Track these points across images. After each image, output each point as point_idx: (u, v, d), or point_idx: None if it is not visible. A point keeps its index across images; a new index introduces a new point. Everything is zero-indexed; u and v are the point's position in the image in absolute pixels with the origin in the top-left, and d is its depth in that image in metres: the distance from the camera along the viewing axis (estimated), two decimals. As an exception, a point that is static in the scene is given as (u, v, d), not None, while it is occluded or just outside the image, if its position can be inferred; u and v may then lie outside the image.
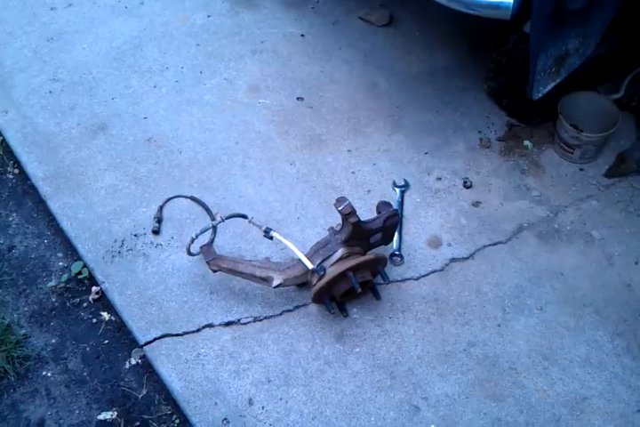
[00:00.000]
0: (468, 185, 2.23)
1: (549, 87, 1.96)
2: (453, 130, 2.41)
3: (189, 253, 1.94)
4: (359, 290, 1.78)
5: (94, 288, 2.07)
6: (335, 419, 1.75)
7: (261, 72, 2.61)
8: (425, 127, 2.42)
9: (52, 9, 2.87)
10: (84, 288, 2.10)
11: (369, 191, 2.23)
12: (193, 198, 2.20)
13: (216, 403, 1.78)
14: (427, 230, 2.13)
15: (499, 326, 1.91)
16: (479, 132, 2.39)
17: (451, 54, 2.67)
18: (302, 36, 2.76)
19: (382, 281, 1.91)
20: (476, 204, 2.19)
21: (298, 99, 2.52)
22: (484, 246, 2.08)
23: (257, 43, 2.73)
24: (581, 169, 2.27)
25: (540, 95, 1.95)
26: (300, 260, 1.82)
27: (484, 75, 2.47)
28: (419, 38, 2.75)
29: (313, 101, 2.51)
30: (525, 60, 2.03)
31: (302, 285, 1.96)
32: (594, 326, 1.90)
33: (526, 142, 2.34)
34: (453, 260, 2.05)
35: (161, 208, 2.17)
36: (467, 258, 2.05)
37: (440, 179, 2.26)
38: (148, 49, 2.71)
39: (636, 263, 2.02)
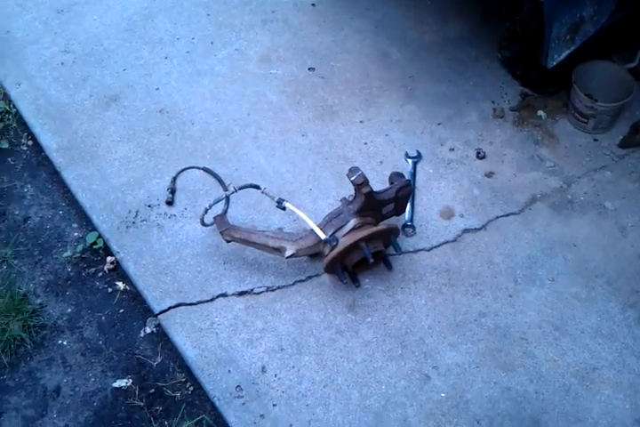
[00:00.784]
0: (481, 156, 2.22)
1: (564, 55, 1.94)
2: (466, 100, 2.39)
3: (203, 224, 1.95)
4: (372, 260, 1.78)
5: (109, 258, 2.09)
6: (346, 387, 1.78)
7: (272, 42, 2.59)
8: (438, 98, 2.40)
9: (61, -21, 2.85)
10: (98, 258, 2.12)
11: (381, 162, 2.22)
12: (206, 169, 2.21)
13: (229, 371, 1.81)
14: (439, 201, 2.12)
15: (510, 296, 1.91)
16: (492, 102, 2.37)
17: (463, 24, 2.63)
18: (313, 5, 2.73)
19: (394, 252, 1.93)
20: (489, 174, 2.18)
21: (309, 69, 2.50)
22: (497, 217, 2.08)
23: (267, 12, 2.70)
24: (595, 139, 2.25)
25: (555, 63, 1.93)
26: (312, 230, 1.83)
27: (498, 44, 2.44)
28: (430, 8, 2.71)
29: (325, 72, 2.49)
30: (539, 29, 2.00)
31: (314, 255, 1.98)
32: (605, 297, 1.91)
33: (540, 112, 2.32)
34: (466, 231, 2.05)
35: (174, 179, 2.18)
36: (479, 229, 2.05)
37: (453, 149, 2.25)
38: (158, 20, 2.69)
39: (650, 235, 2.02)
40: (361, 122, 2.34)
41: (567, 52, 1.97)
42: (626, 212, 2.07)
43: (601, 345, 1.82)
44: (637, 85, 2.17)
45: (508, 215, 2.08)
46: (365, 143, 2.28)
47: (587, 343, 1.82)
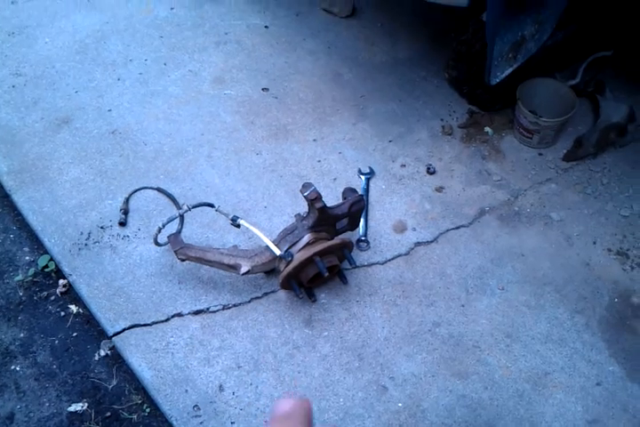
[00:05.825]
0: (431, 171, 2.27)
1: (507, 73, 2.00)
2: (416, 118, 2.45)
3: (157, 244, 1.94)
4: (326, 274, 1.80)
5: (61, 281, 2.06)
6: (305, 401, 1.77)
7: (226, 63, 2.62)
8: (389, 116, 2.46)
9: (12, 3, 2.85)
10: (51, 282, 2.09)
11: (335, 179, 2.26)
12: (159, 189, 2.21)
13: (186, 390, 1.79)
14: (392, 216, 2.16)
15: (462, 306, 1.95)
16: (441, 119, 2.43)
17: (413, 45, 2.70)
18: (266, 27, 2.78)
19: (349, 266, 1.95)
20: (440, 189, 2.23)
21: (263, 89, 2.54)
22: (448, 230, 2.12)
23: (221, 34, 2.74)
24: (540, 154, 2.32)
25: (498, 81, 1.99)
26: (267, 247, 1.84)
27: (445, 64, 2.51)
28: (381, 29, 2.78)
29: (278, 92, 2.53)
30: (484, 48, 2.06)
31: (270, 272, 1.98)
32: (554, 304, 1.96)
33: (487, 129, 2.39)
34: (418, 244, 2.09)
35: (127, 200, 2.17)
36: (431, 242, 2.09)
37: (404, 166, 2.30)
38: (111, 42, 2.70)
39: (595, 243, 2.08)
40: (314, 140, 2.37)
41: (510, 69, 2.04)
42: (571, 222, 2.13)
43: (551, 351, 1.86)
44: (579, 102, 2.25)
45: (458, 228, 2.12)
46: (319, 161, 2.31)
47: (538, 349, 1.86)
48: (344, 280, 1.96)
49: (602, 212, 2.15)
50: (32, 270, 2.10)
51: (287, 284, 1.87)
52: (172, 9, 2.83)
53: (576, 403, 1.77)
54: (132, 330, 1.90)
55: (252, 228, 1.86)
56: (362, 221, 2.08)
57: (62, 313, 2.04)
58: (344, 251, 1.90)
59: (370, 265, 2.04)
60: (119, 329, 1.91)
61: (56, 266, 2.07)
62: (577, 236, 2.10)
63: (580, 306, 1.95)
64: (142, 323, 1.91)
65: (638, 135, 2.33)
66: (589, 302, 1.95)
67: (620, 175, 2.25)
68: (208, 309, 1.95)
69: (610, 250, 2.06)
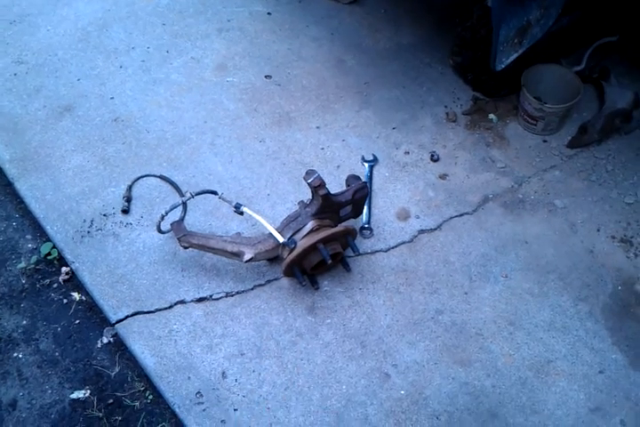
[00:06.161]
0: (435, 158, 2.25)
1: (512, 58, 1.98)
2: (420, 105, 2.43)
3: (160, 231, 1.94)
4: (330, 261, 1.80)
5: (64, 269, 2.06)
6: (307, 388, 1.78)
7: (228, 50, 2.61)
8: (392, 103, 2.44)
9: (13, -10, 2.83)
10: (53, 269, 2.09)
11: (338, 167, 2.24)
12: (162, 177, 2.20)
13: (189, 377, 1.80)
14: (395, 203, 2.15)
15: (466, 293, 1.94)
16: (445, 106, 2.42)
17: (416, 31, 2.68)
18: (269, 14, 2.76)
19: (352, 253, 1.94)
20: (443, 176, 2.21)
21: (266, 77, 2.52)
22: (451, 217, 2.11)
23: (223, 21, 2.72)
24: (545, 140, 2.31)
25: (503, 66, 1.98)
26: (270, 234, 1.83)
27: (449, 50, 2.49)
28: (385, 16, 2.76)
29: (281, 79, 2.51)
30: (489, 34, 2.04)
31: (273, 259, 1.98)
32: (558, 291, 1.95)
33: (491, 116, 2.37)
34: (421, 231, 2.08)
35: (130, 187, 2.17)
36: (434, 229, 2.09)
37: (408, 153, 2.28)
38: (113, 29, 2.69)
39: (598, 230, 2.07)
40: (318, 128, 2.36)
41: (515, 55, 2.02)
42: (575, 209, 2.12)
43: (554, 338, 1.86)
44: (584, 88, 2.23)
45: (461, 215, 2.12)
46: (322, 148, 2.30)
47: (541, 337, 1.86)
48: (347, 268, 1.96)
49: (606, 199, 2.14)
50: (35, 258, 2.10)
51: (290, 271, 1.87)
52: (174, -4, 2.82)
53: (579, 391, 1.77)
54: (134, 317, 1.91)
55: (255, 215, 1.85)
56: (365, 208, 2.08)
57: (65, 300, 2.04)
58: (347, 238, 1.90)
59: (373, 252, 2.03)
60: (122, 316, 1.91)
61: (59, 253, 2.07)
62: (581, 223, 2.09)
63: (583, 294, 1.94)
64: (145, 310, 1.92)
65: (644, 122, 2.31)
66: (593, 290, 1.95)
67: (624, 162, 2.23)
68: (211, 296, 1.95)
69: (614, 237, 2.05)
